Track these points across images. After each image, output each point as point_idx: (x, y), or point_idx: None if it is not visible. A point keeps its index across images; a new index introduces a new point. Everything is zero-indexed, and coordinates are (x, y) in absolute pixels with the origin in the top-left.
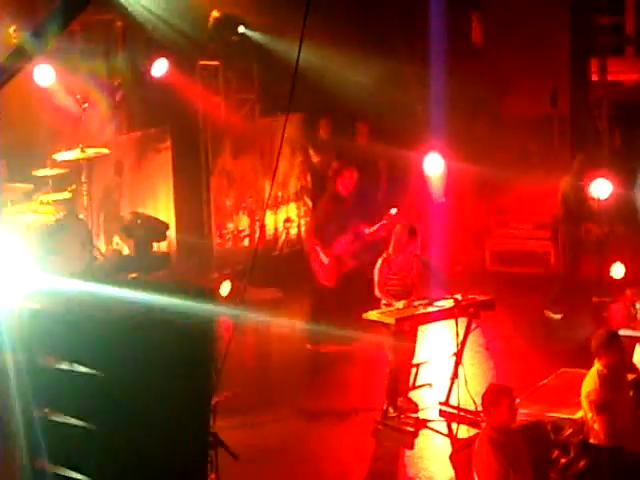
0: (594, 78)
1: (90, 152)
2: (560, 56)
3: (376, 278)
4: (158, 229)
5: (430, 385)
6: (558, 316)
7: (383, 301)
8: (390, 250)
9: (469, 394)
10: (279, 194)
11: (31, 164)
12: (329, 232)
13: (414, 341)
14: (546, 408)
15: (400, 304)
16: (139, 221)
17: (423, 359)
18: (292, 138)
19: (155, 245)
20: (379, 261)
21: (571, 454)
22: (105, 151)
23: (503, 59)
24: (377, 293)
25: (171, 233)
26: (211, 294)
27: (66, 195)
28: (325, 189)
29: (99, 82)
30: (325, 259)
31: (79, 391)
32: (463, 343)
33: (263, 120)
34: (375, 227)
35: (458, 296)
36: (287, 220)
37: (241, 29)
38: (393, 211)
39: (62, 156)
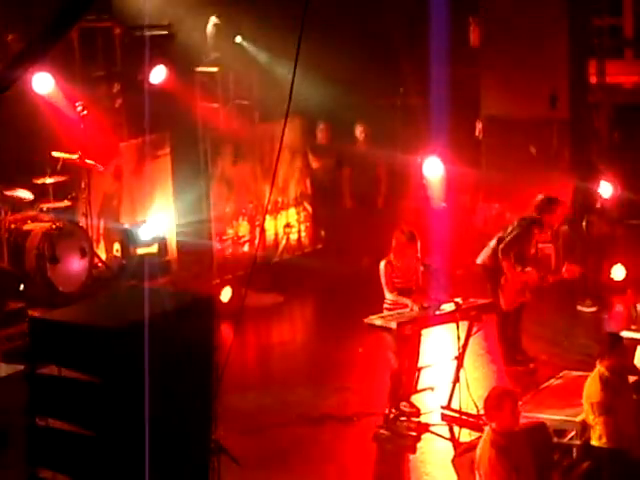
0: (593, 80)
1: (88, 162)
2: (559, 58)
3: (383, 279)
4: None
5: (432, 389)
6: (592, 309)
7: (387, 301)
8: (391, 256)
9: (471, 398)
10: (279, 199)
11: (31, 172)
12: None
13: (416, 345)
14: (548, 411)
15: (408, 302)
16: None
17: (425, 363)
18: (291, 143)
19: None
20: (382, 264)
21: (574, 457)
22: (100, 168)
23: (501, 62)
24: (387, 294)
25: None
26: (211, 301)
27: (66, 203)
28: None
29: (98, 89)
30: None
31: (81, 398)
32: (465, 347)
33: (262, 125)
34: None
35: (459, 300)
36: (287, 225)
37: (238, 39)
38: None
39: (60, 154)
